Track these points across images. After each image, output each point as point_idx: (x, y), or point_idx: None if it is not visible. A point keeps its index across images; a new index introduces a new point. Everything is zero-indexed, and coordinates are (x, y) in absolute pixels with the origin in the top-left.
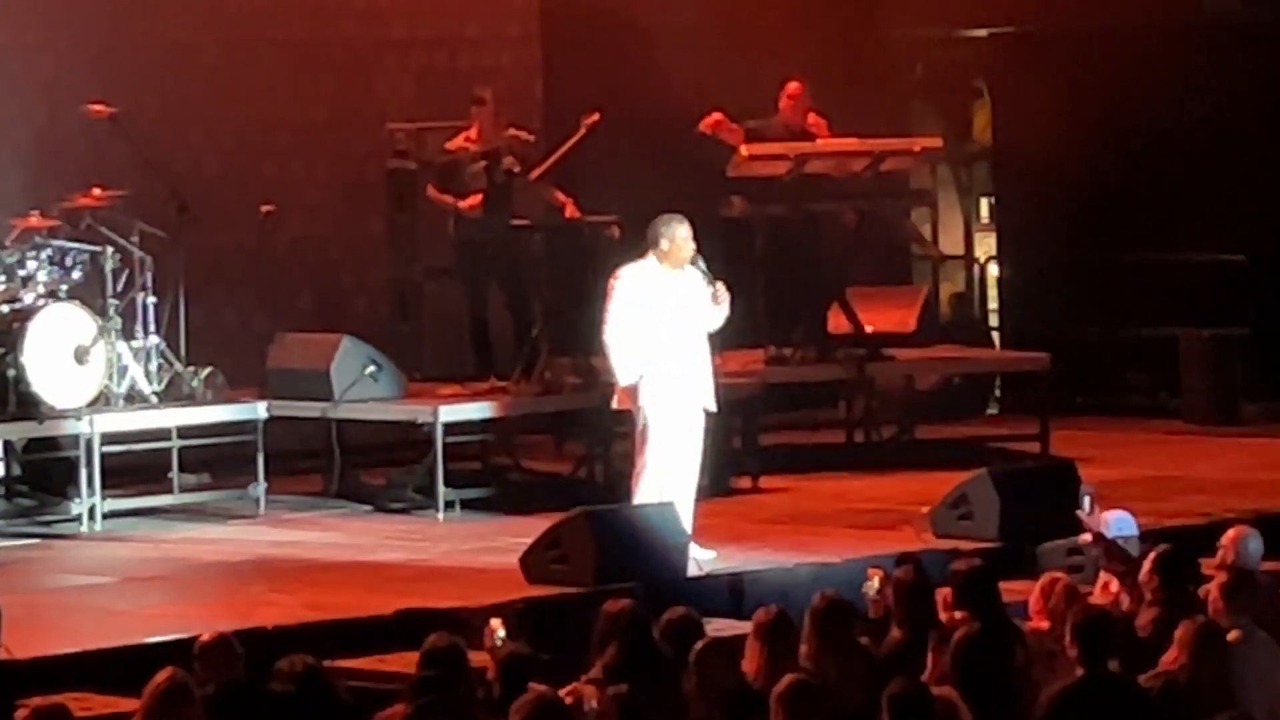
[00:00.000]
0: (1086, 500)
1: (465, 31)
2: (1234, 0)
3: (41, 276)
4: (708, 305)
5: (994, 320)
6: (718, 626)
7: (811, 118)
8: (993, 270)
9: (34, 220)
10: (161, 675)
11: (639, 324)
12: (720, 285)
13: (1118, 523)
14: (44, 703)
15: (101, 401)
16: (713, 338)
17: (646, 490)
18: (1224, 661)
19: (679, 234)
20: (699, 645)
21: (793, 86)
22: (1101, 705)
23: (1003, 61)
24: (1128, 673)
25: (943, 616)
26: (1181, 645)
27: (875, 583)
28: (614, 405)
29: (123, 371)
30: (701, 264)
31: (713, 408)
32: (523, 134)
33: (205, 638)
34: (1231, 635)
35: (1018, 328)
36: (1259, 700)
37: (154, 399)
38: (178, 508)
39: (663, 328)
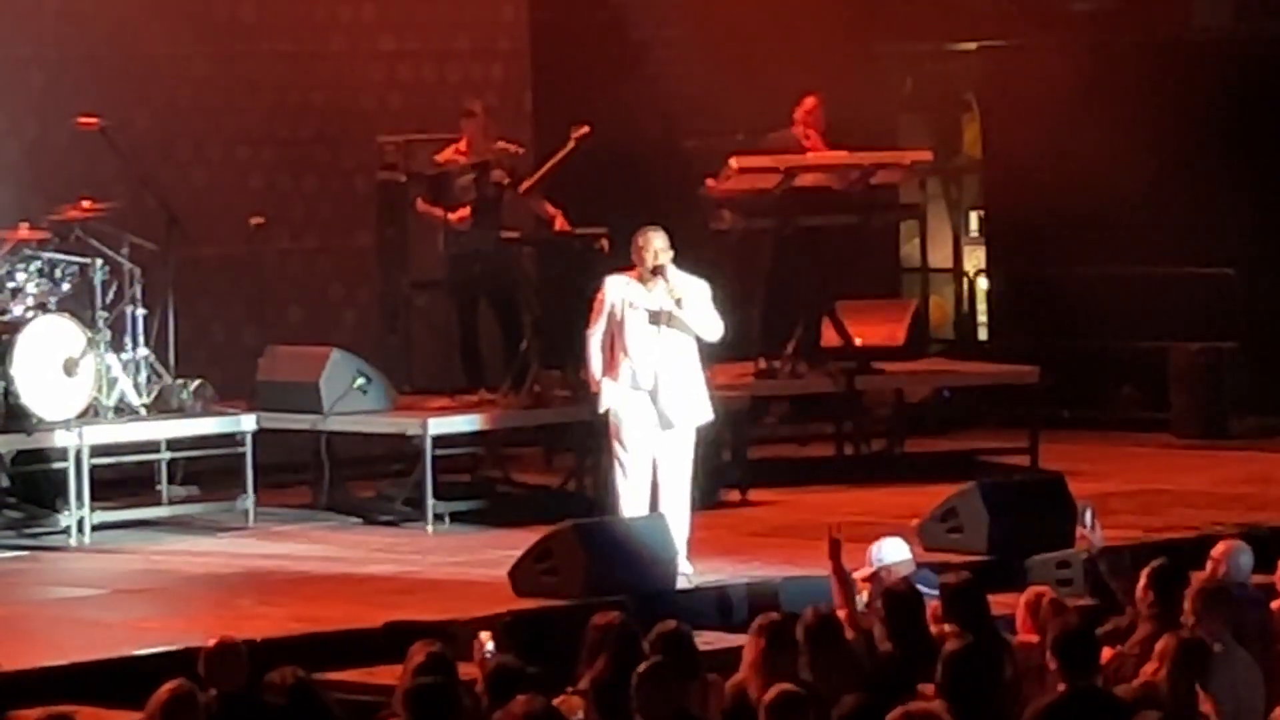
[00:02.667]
0: (1088, 515)
1: (454, 44)
2: (1223, 14)
3: (31, 289)
4: (693, 317)
5: (983, 334)
6: (707, 639)
7: (802, 129)
8: (982, 283)
9: (23, 232)
10: (166, 686)
11: (612, 331)
12: (675, 290)
13: (889, 549)
14: (49, 712)
15: (90, 413)
16: (705, 350)
17: (627, 499)
18: (1203, 678)
19: (637, 242)
20: (640, 670)
21: (809, 101)
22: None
23: (992, 75)
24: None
25: (932, 629)
26: (1162, 658)
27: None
28: (599, 408)
29: (112, 383)
30: (667, 276)
31: (697, 420)
32: (512, 147)
33: (213, 642)
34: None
35: (1007, 341)
36: (1236, 716)
37: (143, 411)
38: (166, 520)
39: (636, 338)
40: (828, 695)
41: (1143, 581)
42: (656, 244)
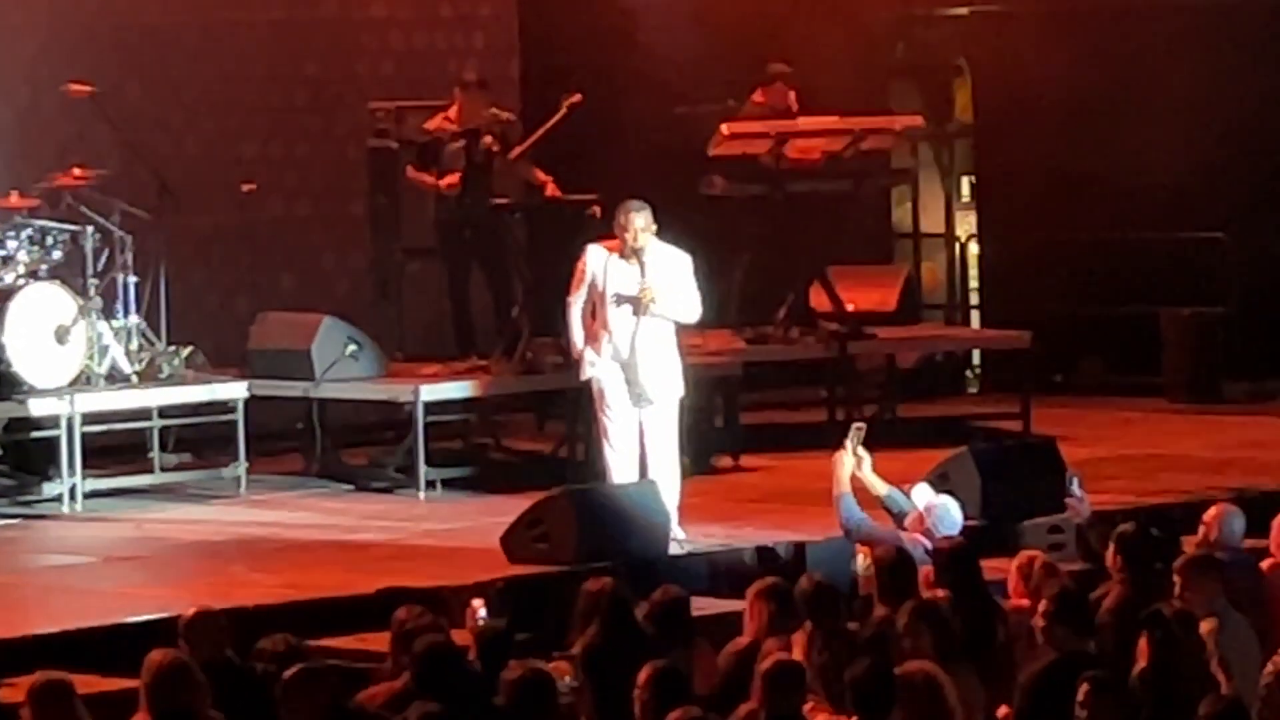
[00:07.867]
0: (1075, 484)
1: (442, 11)
2: None
3: (22, 256)
4: (668, 307)
5: (975, 299)
6: (700, 605)
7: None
8: (973, 249)
9: (14, 200)
10: (158, 655)
11: (594, 301)
12: (648, 290)
13: (941, 515)
14: (45, 677)
15: (82, 381)
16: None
17: (615, 467)
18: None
19: (619, 219)
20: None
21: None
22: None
23: (984, 40)
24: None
25: (924, 594)
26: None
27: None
28: (581, 377)
29: (103, 351)
30: (645, 259)
31: (674, 395)
32: (503, 114)
33: (191, 612)
34: (1208, 620)
35: (998, 306)
36: (1239, 683)
37: (134, 379)
38: (158, 487)
39: (614, 312)
40: (830, 661)
41: (1111, 548)
42: (637, 224)
